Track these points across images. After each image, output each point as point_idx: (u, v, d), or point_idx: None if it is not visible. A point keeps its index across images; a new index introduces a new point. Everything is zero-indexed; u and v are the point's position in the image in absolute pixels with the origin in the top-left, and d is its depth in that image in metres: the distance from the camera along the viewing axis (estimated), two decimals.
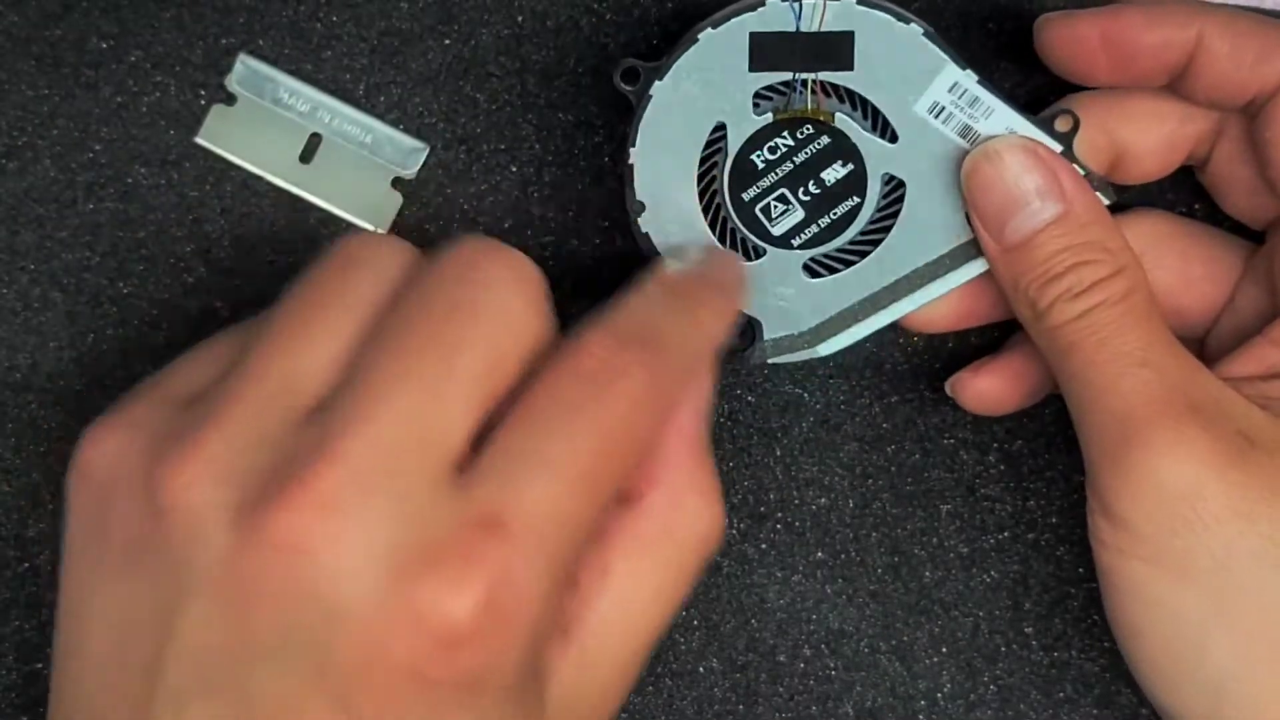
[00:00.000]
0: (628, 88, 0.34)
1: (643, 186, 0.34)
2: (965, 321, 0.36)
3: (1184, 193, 0.37)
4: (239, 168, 0.37)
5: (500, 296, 0.29)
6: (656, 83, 0.33)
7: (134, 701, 0.27)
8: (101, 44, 0.37)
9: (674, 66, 0.33)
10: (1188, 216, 0.37)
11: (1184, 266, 0.35)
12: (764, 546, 0.38)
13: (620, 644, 0.30)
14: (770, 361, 0.35)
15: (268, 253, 0.37)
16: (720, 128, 0.34)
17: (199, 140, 0.37)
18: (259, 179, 0.37)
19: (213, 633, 0.26)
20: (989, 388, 0.36)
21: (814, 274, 0.35)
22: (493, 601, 0.26)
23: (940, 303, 0.35)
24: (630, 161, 0.34)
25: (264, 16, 0.37)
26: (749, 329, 0.35)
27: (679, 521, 0.30)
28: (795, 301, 0.35)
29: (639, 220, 0.34)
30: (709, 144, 0.34)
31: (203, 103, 0.37)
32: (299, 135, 0.37)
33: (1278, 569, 0.30)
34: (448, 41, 0.37)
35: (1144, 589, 0.31)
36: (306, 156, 0.37)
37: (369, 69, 0.37)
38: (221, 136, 0.37)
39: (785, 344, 0.35)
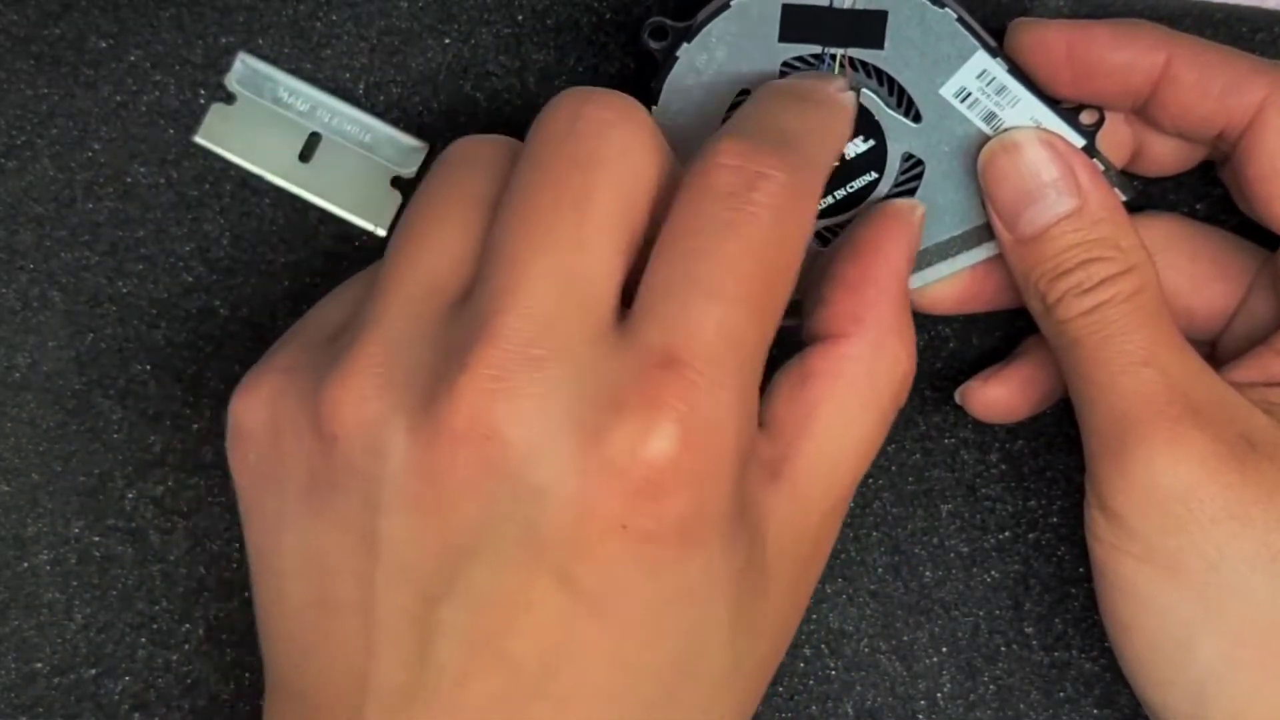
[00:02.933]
0: (655, 45, 0.34)
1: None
2: (969, 305, 0.36)
3: (1185, 194, 0.37)
4: (238, 167, 0.37)
5: (613, 138, 0.28)
6: (685, 44, 0.33)
7: (354, 642, 0.27)
8: (101, 43, 0.37)
9: (704, 30, 0.33)
10: (1192, 217, 0.36)
11: (1194, 268, 0.35)
12: None
13: (829, 484, 0.30)
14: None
15: (267, 252, 0.37)
16: (744, 94, 0.34)
17: (198, 139, 0.37)
18: (258, 178, 0.37)
19: (417, 545, 0.26)
20: (998, 397, 0.36)
21: (825, 243, 0.35)
22: (687, 437, 0.25)
23: (945, 283, 0.35)
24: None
25: (263, 15, 0.37)
26: None
27: (881, 364, 0.30)
28: (804, 267, 0.35)
29: None
30: (731, 108, 0.34)
31: (202, 102, 0.37)
32: (298, 134, 0.37)
33: (1269, 572, 0.30)
34: (447, 40, 0.37)
35: (1136, 586, 0.31)
36: (306, 156, 0.37)
37: (369, 68, 0.37)
38: (221, 136, 0.37)
39: (791, 309, 0.35)
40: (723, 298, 0.27)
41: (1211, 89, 0.32)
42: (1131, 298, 0.32)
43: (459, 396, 0.25)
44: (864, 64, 0.33)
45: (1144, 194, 0.36)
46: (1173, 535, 0.30)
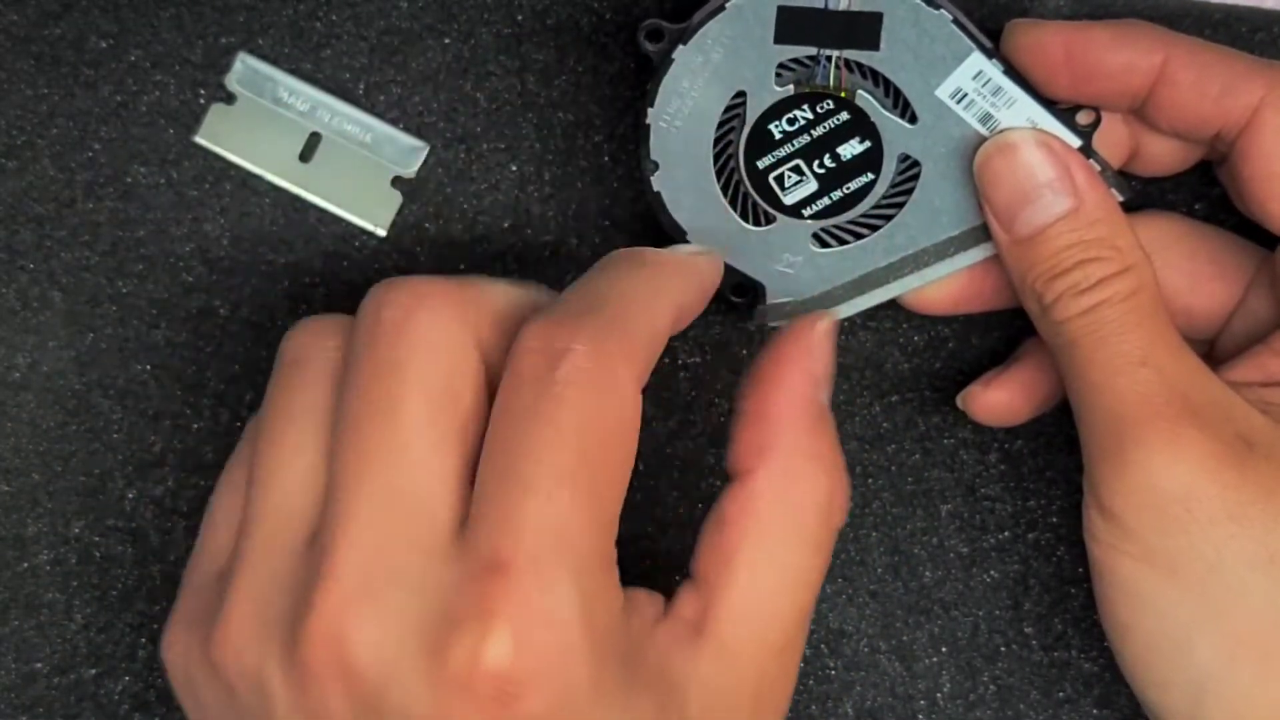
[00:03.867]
0: (651, 47, 0.34)
1: (658, 147, 0.34)
2: (965, 305, 0.36)
3: (1183, 194, 0.37)
4: (238, 167, 0.37)
5: (411, 335, 0.28)
6: (680, 46, 0.33)
7: None
8: (101, 43, 0.37)
9: (700, 32, 0.33)
10: (1190, 216, 0.36)
11: (1193, 267, 0.35)
12: None
13: (761, 632, 0.29)
14: (770, 325, 0.35)
15: (267, 252, 0.37)
16: (740, 95, 0.34)
17: (198, 139, 0.37)
18: (258, 178, 0.37)
19: None
20: (1000, 400, 0.36)
21: (823, 244, 0.35)
22: (523, 640, 0.25)
23: (942, 284, 0.35)
24: (647, 122, 0.34)
25: (263, 15, 0.37)
26: (750, 288, 0.35)
27: (795, 493, 0.29)
28: (801, 269, 0.35)
29: (651, 179, 0.34)
30: (727, 110, 0.34)
31: (202, 102, 0.37)
32: (299, 134, 0.37)
33: (1267, 572, 0.30)
34: (447, 40, 0.37)
35: (1134, 585, 0.31)
36: (306, 156, 0.37)
37: (369, 68, 0.37)
38: (221, 136, 0.37)
39: (787, 309, 0.35)
40: (539, 491, 0.26)
41: (1209, 90, 0.32)
42: (1128, 298, 0.31)
43: (311, 636, 0.26)
44: (860, 65, 0.33)
45: (1142, 194, 0.37)
46: (1171, 536, 0.30)
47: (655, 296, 0.29)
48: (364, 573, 0.27)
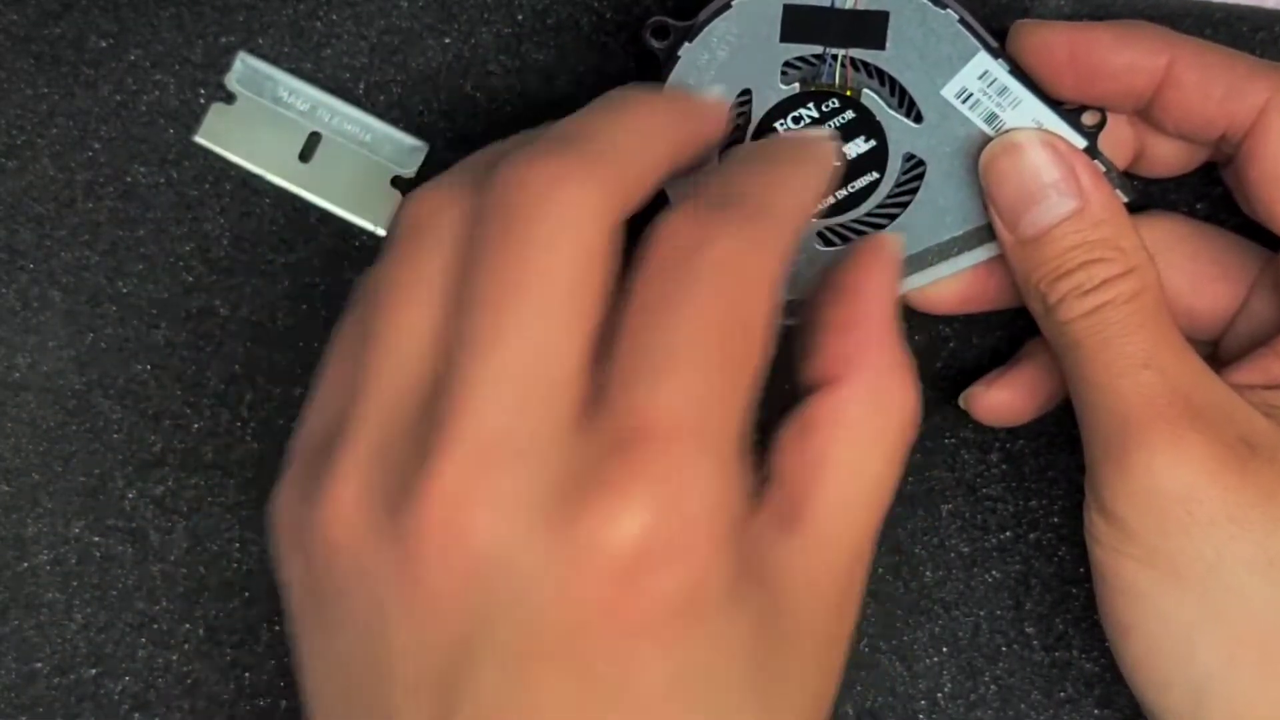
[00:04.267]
0: (657, 44, 0.34)
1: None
2: (970, 305, 0.35)
3: (1186, 194, 0.37)
4: (238, 167, 0.37)
5: (554, 210, 0.27)
6: (686, 44, 0.33)
7: None
8: (101, 42, 0.37)
9: (705, 30, 0.33)
10: (1193, 216, 0.36)
11: (1196, 269, 0.35)
12: None
13: (848, 531, 0.29)
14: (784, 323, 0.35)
15: (267, 252, 0.37)
16: (746, 93, 0.34)
17: (198, 139, 0.37)
18: (258, 178, 0.37)
19: (420, 657, 0.26)
20: (1002, 400, 0.36)
21: (827, 243, 0.35)
22: (659, 515, 0.25)
23: (947, 283, 0.35)
24: None
25: (263, 15, 0.37)
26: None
27: (881, 403, 0.29)
28: (805, 268, 0.35)
29: None
30: (735, 109, 0.34)
31: (202, 101, 0.37)
32: (298, 134, 0.37)
33: (1266, 575, 0.30)
34: (448, 40, 0.37)
35: (1135, 587, 0.31)
36: (306, 155, 0.37)
37: (369, 67, 0.37)
38: (221, 135, 0.37)
39: (792, 308, 0.35)
40: (684, 368, 0.26)
41: (1213, 91, 0.32)
42: (1131, 299, 0.31)
43: (428, 504, 0.25)
44: (865, 64, 0.33)
45: (1145, 194, 0.36)
46: (1172, 537, 0.30)
47: (795, 188, 0.30)
48: (486, 443, 0.25)
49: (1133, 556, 0.31)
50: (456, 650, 0.25)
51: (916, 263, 0.35)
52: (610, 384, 0.26)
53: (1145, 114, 0.33)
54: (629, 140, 0.29)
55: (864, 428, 0.29)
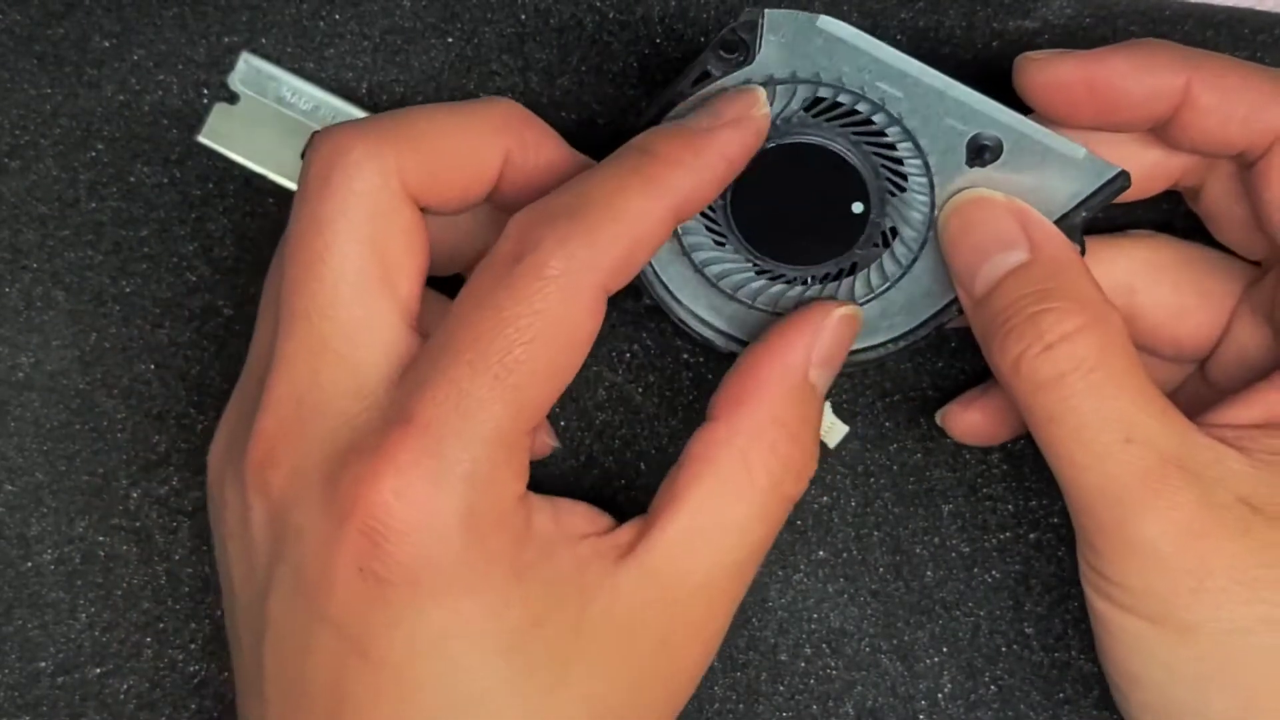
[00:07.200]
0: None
1: None
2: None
3: (1170, 197, 0.37)
4: (241, 166, 0.37)
5: (339, 189, 0.29)
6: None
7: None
8: (104, 42, 0.37)
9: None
10: (1180, 219, 0.36)
11: (1178, 298, 0.34)
12: None
13: (688, 566, 0.30)
14: None
15: (270, 252, 0.37)
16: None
17: (201, 139, 0.37)
18: (261, 178, 0.37)
19: (248, 575, 0.30)
20: (976, 422, 0.36)
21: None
22: (404, 491, 0.27)
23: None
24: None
25: (266, 15, 0.37)
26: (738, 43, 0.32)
27: (757, 451, 0.30)
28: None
29: None
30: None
31: (205, 101, 0.37)
32: (301, 134, 0.37)
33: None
34: (450, 39, 0.37)
35: (1142, 643, 0.30)
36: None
37: (371, 67, 0.37)
38: (224, 135, 0.37)
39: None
40: (461, 363, 0.28)
41: (1234, 113, 0.31)
42: (1099, 365, 0.30)
43: (248, 456, 0.29)
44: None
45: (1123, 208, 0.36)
46: (1182, 605, 0.29)
47: (648, 198, 0.29)
48: (291, 406, 0.29)
49: (1138, 615, 0.30)
50: (263, 577, 0.29)
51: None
52: (412, 365, 0.29)
53: (1162, 133, 0.32)
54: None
55: (731, 470, 0.30)
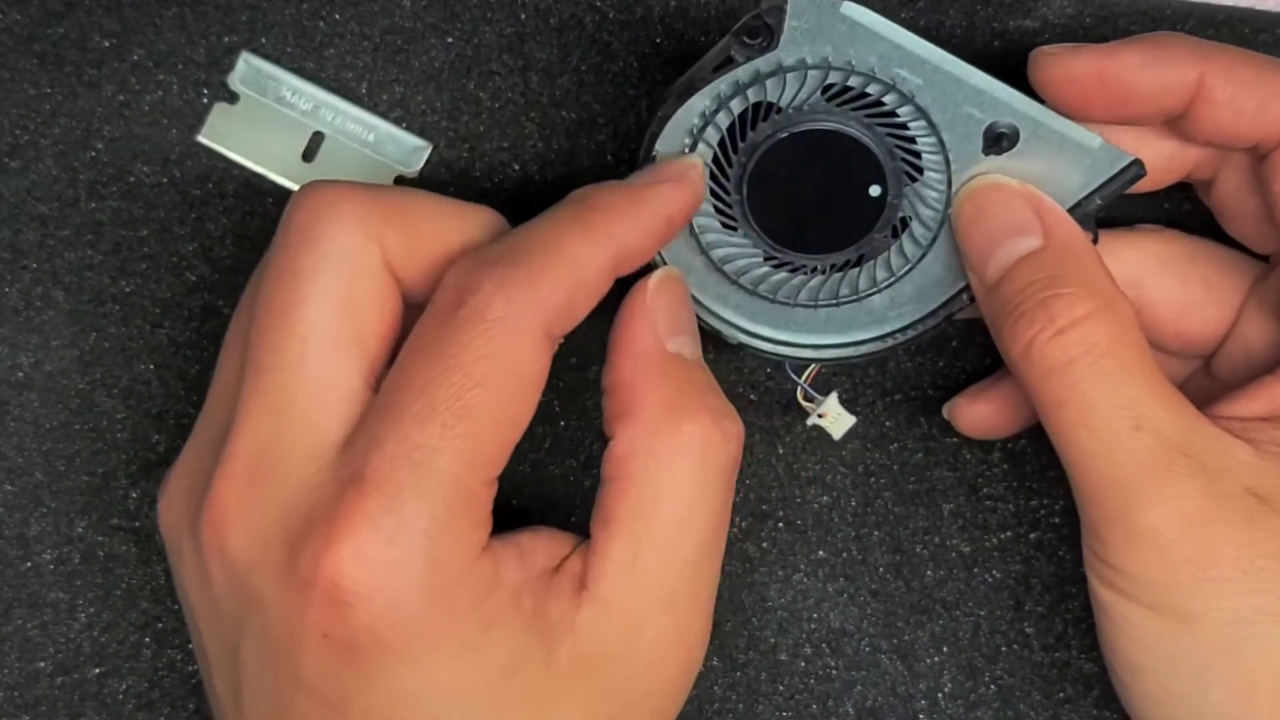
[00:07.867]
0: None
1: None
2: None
3: (1181, 189, 0.37)
4: (241, 166, 0.37)
5: (319, 247, 0.29)
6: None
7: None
8: (104, 42, 0.37)
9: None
10: (1189, 208, 0.36)
11: (1185, 293, 0.34)
12: (765, 545, 0.38)
13: (645, 586, 0.29)
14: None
15: None
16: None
17: (201, 139, 0.37)
18: (261, 177, 0.37)
19: (216, 633, 0.30)
20: (984, 414, 0.36)
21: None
22: (363, 553, 0.27)
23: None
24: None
25: (266, 15, 0.37)
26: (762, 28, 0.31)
27: (660, 446, 0.30)
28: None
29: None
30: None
31: (205, 101, 0.37)
32: (301, 134, 0.37)
33: None
34: (450, 39, 0.37)
35: (1144, 632, 0.30)
36: (309, 155, 0.37)
37: (371, 67, 0.37)
38: (224, 135, 0.37)
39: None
40: (411, 417, 0.27)
41: (1247, 105, 0.31)
42: (1110, 351, 0.30)
43: (205, 515, 0.29)
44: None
45: (1131, 202, 0.36)
46: (1185, 594, 0.29)
47: (586, 244, 0.29)
48: (250, 466, 0.29)
49: (1141, 604, 0.30)
50: (231, 632, 0.29)
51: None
52: (362, 423, 0.28)
53: (1176, 125, 0.32)
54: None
55: (645, 478, 0.30)
